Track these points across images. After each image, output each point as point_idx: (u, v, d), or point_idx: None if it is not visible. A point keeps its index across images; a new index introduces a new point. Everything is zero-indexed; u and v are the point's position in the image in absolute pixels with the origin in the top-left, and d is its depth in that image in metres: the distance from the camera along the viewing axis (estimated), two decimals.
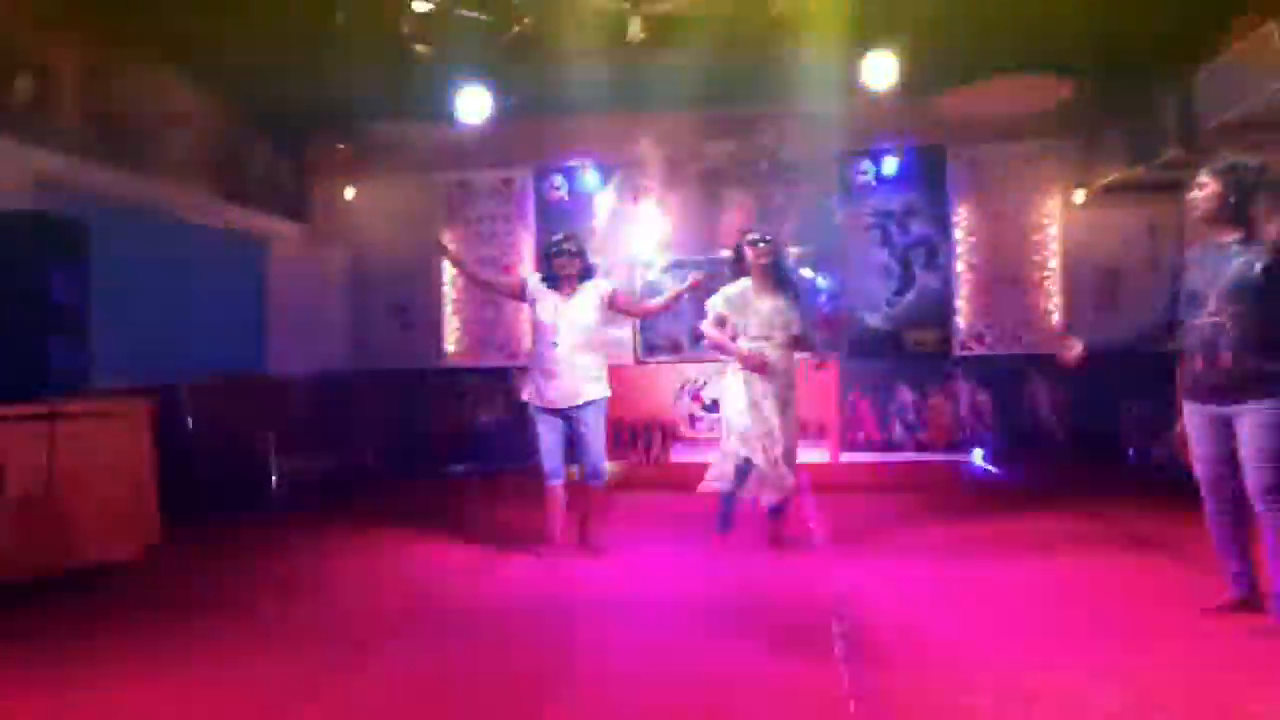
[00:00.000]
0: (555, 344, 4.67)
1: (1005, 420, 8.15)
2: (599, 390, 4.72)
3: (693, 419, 8.43)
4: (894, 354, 8.31)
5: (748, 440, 4.70)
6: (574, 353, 4.66)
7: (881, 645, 3.31)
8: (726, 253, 5.01)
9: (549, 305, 4.75)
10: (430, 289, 8.96)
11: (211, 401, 6.71)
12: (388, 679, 3.12)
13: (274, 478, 6.69)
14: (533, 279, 4.91)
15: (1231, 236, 3.41)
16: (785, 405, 4.76)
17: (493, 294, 6.31)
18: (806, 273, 4.95)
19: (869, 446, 8.19)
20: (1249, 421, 3.28)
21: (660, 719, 2.77)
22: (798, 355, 4.97)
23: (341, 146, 8.53)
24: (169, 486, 5.11)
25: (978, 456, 7.74)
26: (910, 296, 8.42)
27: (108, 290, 5.13)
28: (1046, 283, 8.25)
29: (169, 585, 4.51)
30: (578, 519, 4.88)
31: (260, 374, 7.85)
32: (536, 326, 4.82)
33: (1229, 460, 3.38)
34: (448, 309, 8.99)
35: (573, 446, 4.77)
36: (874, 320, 8.41)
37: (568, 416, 4.71)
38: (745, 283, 4.86)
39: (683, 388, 8.41)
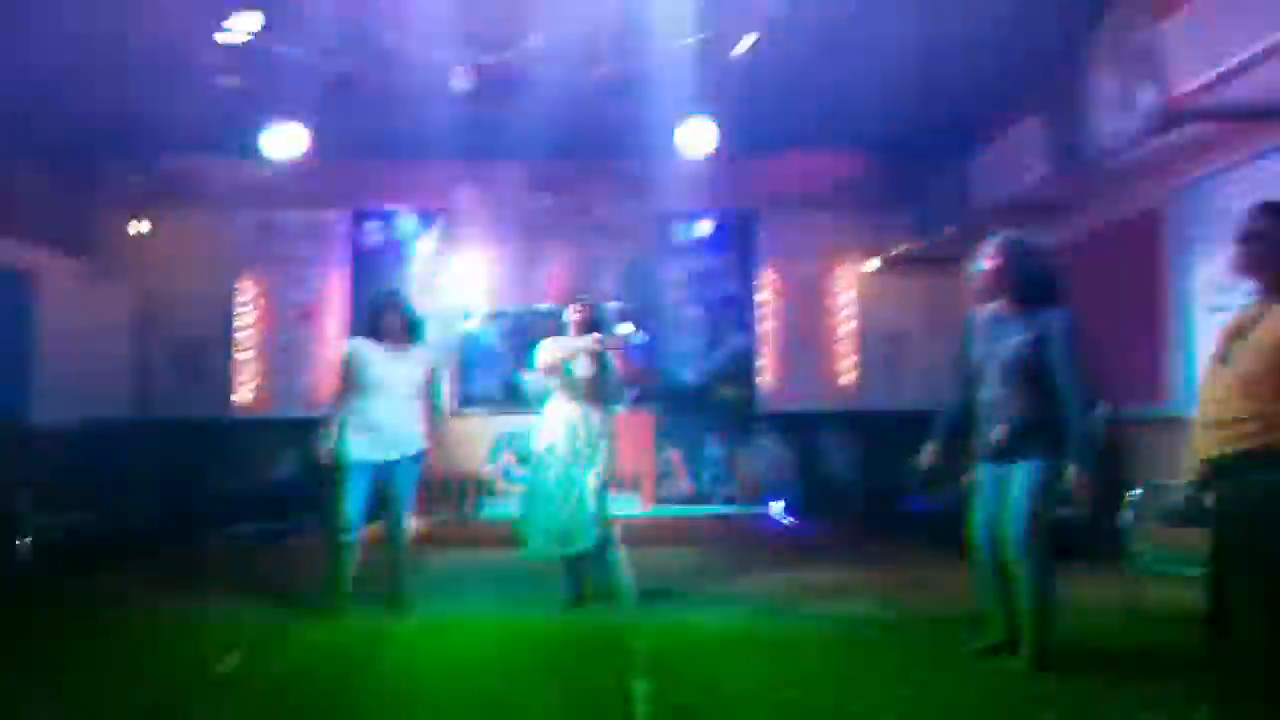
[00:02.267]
0: (382, 399, 4.61)
1: (804, 473, 8.56)
2: (419, 444, 4.70)
3: (507, 474, 8.30)
4: (704, 408, 8.58)
5: (534, 494, 4.76)
6: (400, 407, 4.63)
7: (685, 705, 3.34)
8: (545, 305, 5.06)
9: (375, 361, 4.66)
10: (222, 333, 8.41)
11: None
12: None
13: (26, 538, 5.95)
14: (351, 344, 4.82)
15: (1008, 309, 3.74)
16: (587, 460, 4.76)
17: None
18: (626, 327, 5.09)
19: (680, 499, 8.36)
20: (1015, 480, 3.62)
21: None
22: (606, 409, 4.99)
23: (133, 178, 7.93)
24: None
25: (778, 509, 8.08)
26: (719, 353, 8.76)
27: None
28: (841, 344, 8.82)
29: None
30: (386, 576, 4.68)
31: (21, 424, 7.02)
32: (362, 382, 4.65)
33: (1000, 516, 3.68)
34: (241, 356, 8.45)
35: (381, 501, 4.65)
36: (688, 375, 8.67)
37: (384, 469, 4.60)
38: (557, 339, 4.94)
39: (498, 440, 8.29)
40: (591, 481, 4.73)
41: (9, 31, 5.45)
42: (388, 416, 4.61)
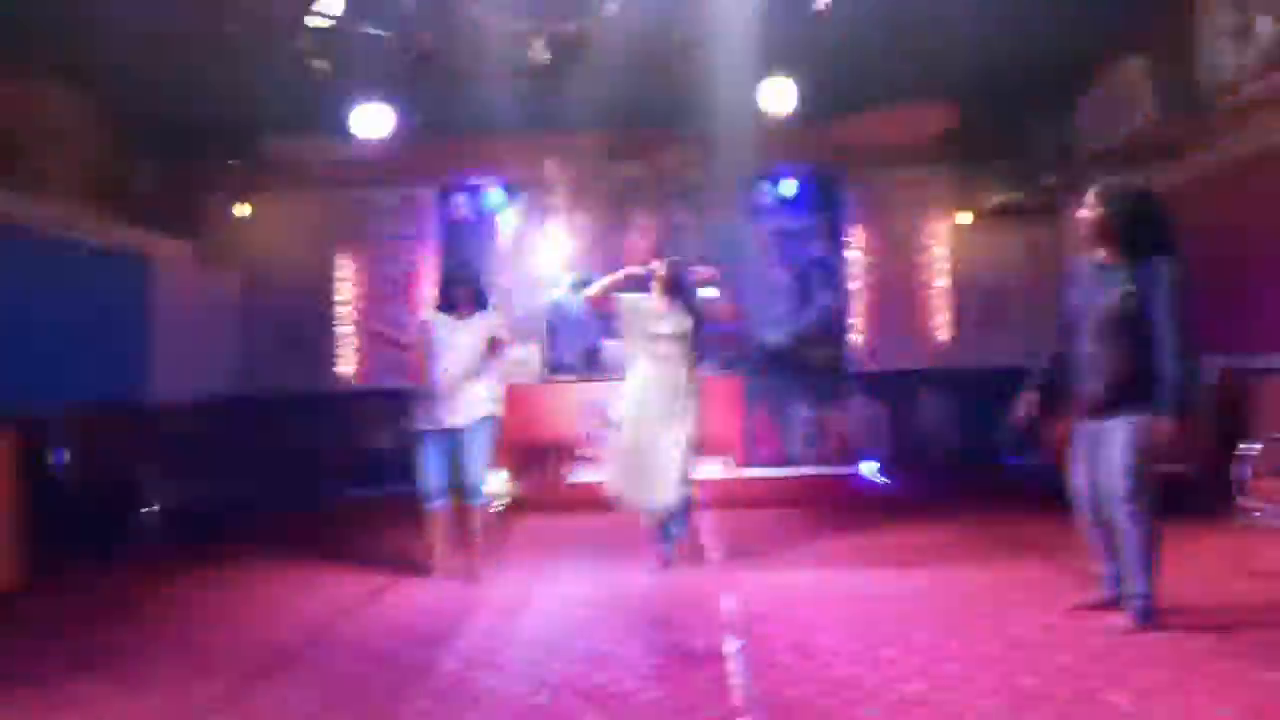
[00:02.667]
0: (447, 369, 4.72)
1: (896, 433, 8.41)
2: (487, 409, 4.78)
3: (594, 438, 8.40)
4: (792, 370, 8.49)
5: (620, 454, 4.79)
6: (464, 377, 4.72)
7: (777, 660, 3.36)
8: (631, 269, 5.05)
9: (443, 332, 4.80)
10: (325, 310, 8.73)
11: (86, 431, 6.34)
12: (275, 716, 2.99)
13: (153, 511, 6.36)
14: (423, 317, 5.03)
15: (1112, 259, 3.58)
16: (672, 419, 4.77)
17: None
18: (710, 292, 5.08)
19: (769, 461, 8.31)
20: (1113, 438, 3.49)
21: None
22: (697, 371, 4.99)
23: (233, 163, 8.27)
24: (38, 522, 4.80)
25: (870, 469, 7.96)
26: (808, 314, 8.64)
27: None
28: (934, 301, 8.58)
29: (34, 626, 4.24)
30: (462, 544, 4.81)
31: (140, 401, 7.46)
32: (433, 352, 4.81)
33: (1101, 472, 3.56)
34: (340, 330, 8.77)
35: (454, 468, 4.76)
36: (774, 337, 8.59)
37: (454, 436, 4.72)
38: (641, 295, 4.95)
39: (587, 407, 8.40)
40: (678, 442, 4.75)
41: (118, 26, 5.73)
42: (452, 384, 4.71)
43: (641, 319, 4.89)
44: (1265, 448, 4.31)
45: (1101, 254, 3.63)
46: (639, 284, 5.02)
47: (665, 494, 4.73)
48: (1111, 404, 3.51)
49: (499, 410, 4.85)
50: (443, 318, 4.87)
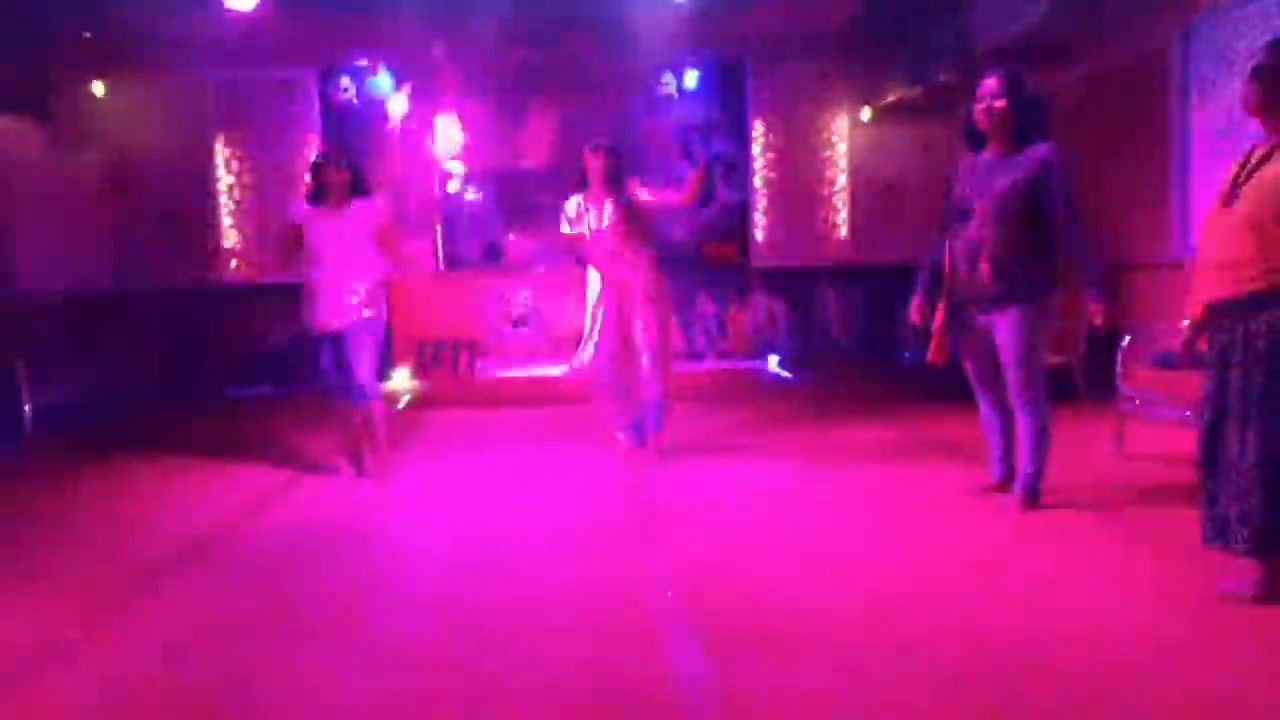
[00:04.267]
0: (323, 264, 4.44)
1: (798, 328, 8.62)
2: (370, 309, 4.49)
3: (501, 333, 8.32)
4: (696, 266, 8.52)
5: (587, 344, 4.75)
6: (342, 272, 4.43)
7: (699, 557, 3.46)
8: (530, 163, 4.86)
9: (317, 225, 4.48)
10: (203, 199, 8.17)
11: None
12: (168, 619, 2.90)
13: (26, 408, 5.96)
14: (296, 211, 4.64)
15: (1003, 149, 3.63)
16: (637, 310, 4.73)
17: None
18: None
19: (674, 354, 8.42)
20: (1004, 326, 3.60)
21: (448, 670, 2.62)
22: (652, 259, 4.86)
23: (87, 36, 7.47)
24: None
25: (774, 363, 8.16)
26: (712, 210, 8.62)
27: None
28: (835, 198, 8.69)
29: None
30: (363, 443, 4.66)
31: (5, 292, 6.90)
32: (307, 248, 4.50)
33: (993, 363, 3.72)
34: (225, 221, 8.26)
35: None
36: (677, 233, 8.55)
37: (337, 336, 4.49)
38: (580, 197, 4.79)
39: (489, 300, 8.26)
40: (647, 334, 4.71)
41: None
42: (329, 281, 4.44)
43: (586, 221, 4.73)
44: (1140, 338, 4.60)
45: (990, 148, 3.66)
46: (579, 182, 4.80)
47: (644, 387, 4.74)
48: (1002, 291, 3.57)
49: (380, 312, 4.54)
50: (311, 211, 4.52)
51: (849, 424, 5.81)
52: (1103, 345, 4.73)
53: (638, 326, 4.72)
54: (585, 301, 4.88)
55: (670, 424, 4.90)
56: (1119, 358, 4.54)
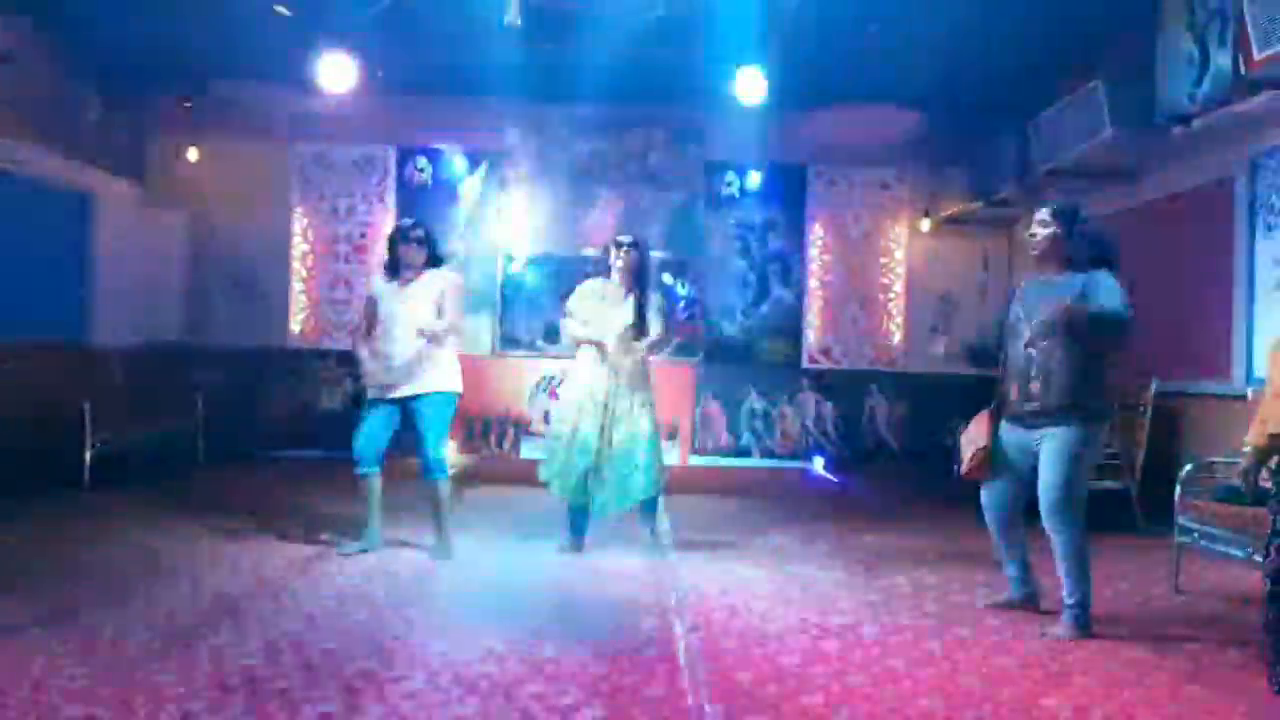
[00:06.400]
0: (393, 334, 4.51)
1: (847, 432, 8.55)
2: (440, 382, 4.56)
3: (547, 415, 8.37)
4: (747, 362, 8.55)
5: (573, 440, 4.70)
6: (412, 342, 4.50)
7: (725, 649, 3.39)
8: (592, 251, 4.98)
9: (389, 295, 4.60)
10: (276, 263, 8.50)
11: (19, 368, 6.10)
12: (205, 673, 2.91)
13: (88, 454, 6.15)
14: (374, 280, 4.80)
15: (1058, 273, 3.71)
16: (633, 410, 4.74)
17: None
18: (667, 278, 5.00)
19: (719, 450, 8.39)
20: (1047, 447, 3.60)
21: None
22: (652, 357, 4.94)
23: (186, 103, 7.96)
24: None
25: (819, 465, 8.07)
26: (765, 308, 8.69)
27: None
28: (890, 304, 8.71)
29: None
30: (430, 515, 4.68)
31: (79, 341, 7.20)
32: (381, 319, 4.60)
33: (1025, 481, 3.73)
34: (295, 286, 8.56)
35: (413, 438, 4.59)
36: (730, 329, 8.63)
37: (406, 406, 4.55)
38: (600, 281, 4.89)
39: (538, 383, 8.35)
40: (644, 432, 4.72)
41: None
42: (399, 352, 4.49)
43: (600, 305, 4.82)
44: (1200, 469, 4.46)
45: (1051, 268, 3.74)
46: (601, 272, 4.94)
47: (641, 484, 4.71)
48: (1048, 410, 3.58)
49: (457, 384, 4.64)
50: (384, 281, 4.64)
51: (892, 534, 5.66)
52: (1161, 475, 4.61)
53: (623, 418, 4.70)
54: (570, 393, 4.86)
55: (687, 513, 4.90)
56: (1177, 489, 4.40)
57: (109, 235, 7.60)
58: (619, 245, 4.86)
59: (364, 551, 4.61)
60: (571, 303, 4.90)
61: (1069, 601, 3.61)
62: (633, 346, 4.78)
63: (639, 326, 4.77)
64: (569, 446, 4.70)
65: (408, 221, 4.78)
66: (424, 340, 4.50)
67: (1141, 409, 5.82)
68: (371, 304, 4.67)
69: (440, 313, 4.57)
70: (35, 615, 3.45)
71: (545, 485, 4.81)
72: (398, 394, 4.52)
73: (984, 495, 3.90)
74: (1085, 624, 3.59)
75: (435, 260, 4.68)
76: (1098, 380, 3.59)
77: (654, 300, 4.90)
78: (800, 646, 3.41)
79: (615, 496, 4.72)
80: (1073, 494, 3.56)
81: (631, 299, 4.82)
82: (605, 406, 4.70)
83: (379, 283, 4.72)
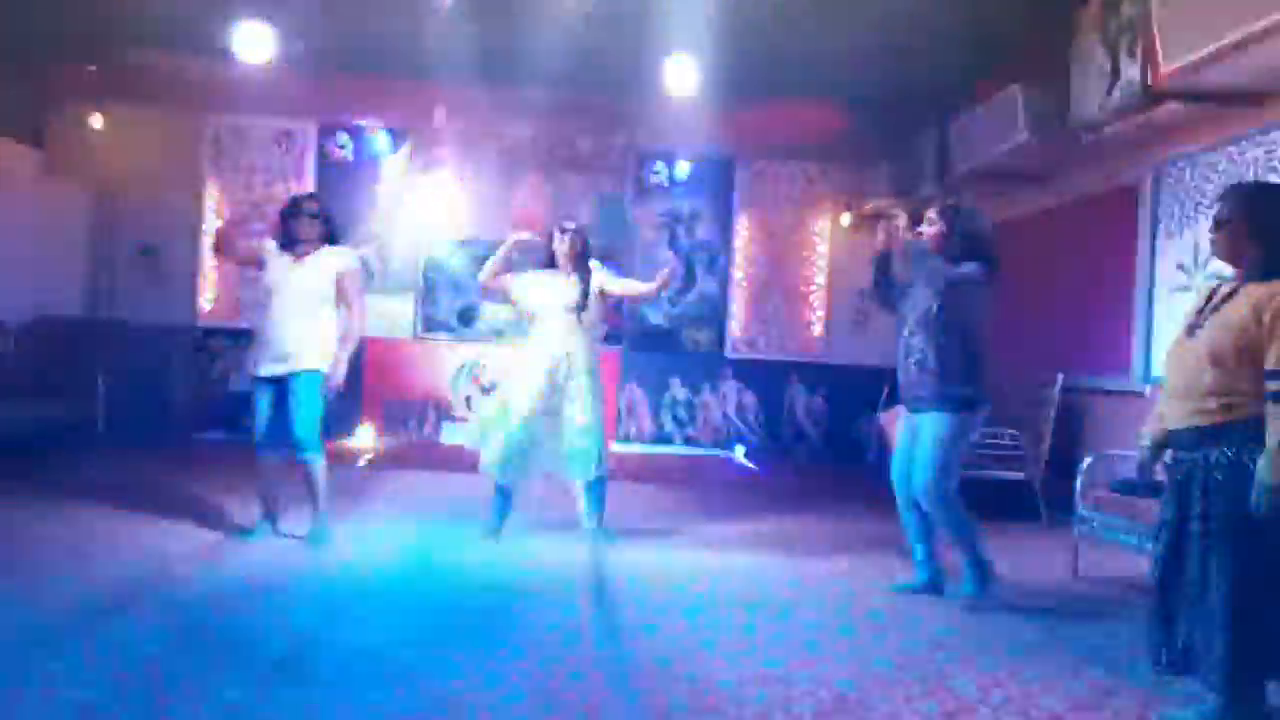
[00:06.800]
0: (277, 309, 4.33)
1: (767, 420, 8.68)
2: (313, 360, 4.32)
3: (468, 400, 8.27)
4: (671, 350, 8.59)
5: (515, 418, 4.66)
6: (296, 320, 4.30)
7: (640, 632, 3.40)
8: (520, 235, 4.92)
9: (278, 268, 4.39)
10: (187, 237, 8.16)
11: None
12: (101, 661, 2.79)
13: None
14: (266, 245, 4.50)
15: (943, 262, 3.88)
16: (576, 396, 4.69)
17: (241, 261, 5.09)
18: (594, 265, 4.97)
19: (641, 438, 8.44)
20: (922, 433, 3.85)
21: None
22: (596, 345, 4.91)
23: (91, 69, 7.56)
24: None
25: (740, 453, 8.17)
26: (691, 297, 8.74)
27: None
28: (812, 296, 8.86)
29: None
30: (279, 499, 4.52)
31: None
32: (263, 290, 4.42)
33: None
34: (207, 261, 8.23)
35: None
36: (655, 318, 8.65)
37: (282, 385, 4.34)
38: (539, 272, 4.85)
39: (461, 367, 8.24)
40: (586, 418, 4.68)
41: None
42: (281, 329, 4.30)
43: (542, 291, 4.78)
44: (1098, 463, 4.68)
45: (939, 259, 3.92)
46: (529, 250, 4.91)
47: (584, 465, 4.68)
48: (923, 397, 3.84)
49: (329, 366, 4.34)
50: (277, 254, 4.40)
51: (808, 522, 5.78)
52: (1065, 468, 4.81)
53: (572, 398, 4.69)
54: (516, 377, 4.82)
55: (610, 500, 4.90)
56: (1078, 481, 4.60)
57: (3, 203, 7.18)
58: (563, 230, 4.84)
59: (253, 538, 4.44)
60: (514, 284, 4.85)
61: (965, 563, 3.86)
62: (577, 327, 4.75)
63: (582, 307, 4.75)
64: (512, 425, 4.65)
65: (303, 193, 4.62)
66: (309, 319, 4.32)
67: (1047, 403, 6.07)
68: (261, 273, 4.46)
69: (341, 294, 4.40)
70: None
71: (485, 470, 4.73)
72: (275, 371, 4.32)
73: (893, 472, 4.07)
74: (983, 579, 3.84)
75: (332, 237, 4.49)
76: (971, 369, 3.80)
77: (600, 276, 4.83)
78: (718, 628, 3.45)
79: (552, 461, 4.72)
80: (942, 477, 3.79)
81: (575, 279, 4.78)
82: (553, 387, 4.67)
83: (271, 253, 4.44)
